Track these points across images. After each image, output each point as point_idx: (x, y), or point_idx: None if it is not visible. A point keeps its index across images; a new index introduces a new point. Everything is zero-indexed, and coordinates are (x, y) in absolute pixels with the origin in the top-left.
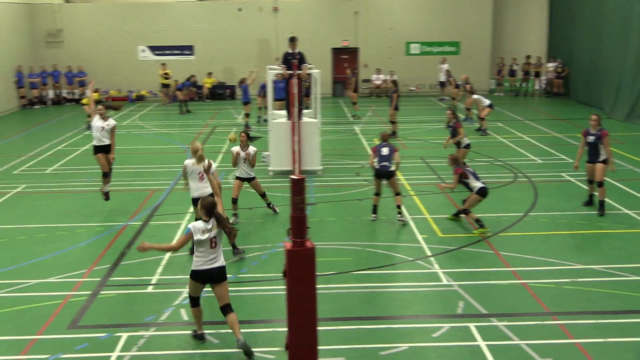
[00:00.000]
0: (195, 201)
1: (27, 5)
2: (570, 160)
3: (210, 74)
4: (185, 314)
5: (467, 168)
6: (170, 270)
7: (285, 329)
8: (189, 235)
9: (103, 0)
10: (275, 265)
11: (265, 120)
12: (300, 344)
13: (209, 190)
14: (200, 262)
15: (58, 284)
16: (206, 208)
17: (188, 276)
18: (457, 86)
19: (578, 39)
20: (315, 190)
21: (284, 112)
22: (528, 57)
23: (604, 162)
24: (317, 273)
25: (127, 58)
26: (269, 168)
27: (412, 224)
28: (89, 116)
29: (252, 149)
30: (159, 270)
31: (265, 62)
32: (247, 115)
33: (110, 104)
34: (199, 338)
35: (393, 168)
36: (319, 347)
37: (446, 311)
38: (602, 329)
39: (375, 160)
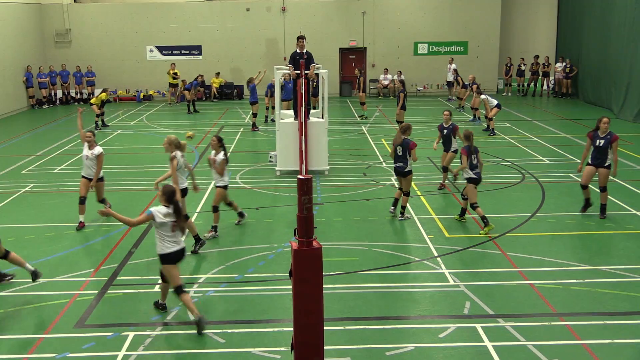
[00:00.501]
0: (184, 192)
1: (36, 6)
2: (579, 161)
3: (218, 73)
4: (191, 315)
5: (473, 153)
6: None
7: (292, 329)
8: (149, 216)
9: (112, 0)
10: (282, 265)
11: (273, 120)
12: (306, 344)
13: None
14: (168, 245)
15: (65, 283)
16: (167, 195)
17: (194, 275)
18: (464, 86)
19: (587, 38)
20: (323, 190)
21: (291, 112)
22: (536, 57)
23: (609, 167)
24: (324, 273)
25: (136, 58)
26: (276, 168)
27: (418, 224)
28: (98, 115)
29: (220, 155)
30: None
31: (273, 62)
32: (254, 115)
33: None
34: (160, 307)
35: (408, 168)
36: (325, 347)
37: (453, 312)
38: (610, 330)
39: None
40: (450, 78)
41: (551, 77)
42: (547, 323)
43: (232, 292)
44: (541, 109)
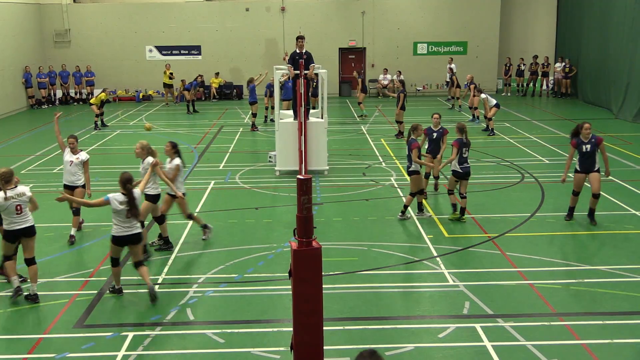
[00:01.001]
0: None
1: (35, 6)
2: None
3: (217, 73)
4: (191, 314)
5: (463, 146)
6: (177, 270)
7: (291, 329)
8: (105, 201)
9: (111, 0)
10: (282, 265)
11: (272, 120)
12: (305, 344)
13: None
14: (119, 229)
15: (65, 283)
16: (122, 182)
17: (192, 275)
18: (458, 85)
19: (586, 39)
20: (322, 190)
21: (290, 112)
22: (535, 57)
23: (598, 170)
24: (323, 273)
25: (135, 58)
26: (276, 168)
27: (418, 224)
28: (97, 115)
29: (175, 162)
30: (165, 270)
31: (273, 62)
32: (254, 115)
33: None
34: (117, 292)
35: (413, 168)
36: (325, 347)
37: (452, 312)
38: (609, 330)
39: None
40: (449, 77)
41: (550, 77)
42: (546, 323)
43: (232, 292)
44: (540, 109)
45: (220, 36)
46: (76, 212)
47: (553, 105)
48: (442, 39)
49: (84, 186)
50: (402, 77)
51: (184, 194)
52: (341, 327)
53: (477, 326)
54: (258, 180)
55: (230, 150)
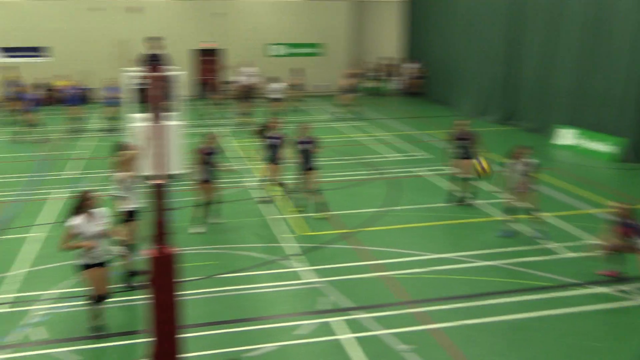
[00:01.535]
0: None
1: None
2: (425, 156)
3: (65, 76)
4: (37, 333)
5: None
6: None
7: (149, 339)
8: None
9: None
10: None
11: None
12: (165, 353)
13: None
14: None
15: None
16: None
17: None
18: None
19: (431, 42)
20: (179, 194)
21: (144, 116)
22: (386, 58)
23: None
24: (181, 279)
25: None
26: None
27: (274, 224)
28: None
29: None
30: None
31: (126, 63)
32: (109, 119)
33: None
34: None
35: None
36: (186, 354)
37: (312, 308)
38: (457, 313)
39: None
40: (253, 80)
41: (400, 78)
42: (400, 311)
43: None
44: (391, 108)
45: (70, 37)
46: None
47: (403, 104)
48: (297, 40)
49: None
50: (255, 78)
51: None
52: (201, 333)
53: (337, 320)
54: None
55: (84, 157)
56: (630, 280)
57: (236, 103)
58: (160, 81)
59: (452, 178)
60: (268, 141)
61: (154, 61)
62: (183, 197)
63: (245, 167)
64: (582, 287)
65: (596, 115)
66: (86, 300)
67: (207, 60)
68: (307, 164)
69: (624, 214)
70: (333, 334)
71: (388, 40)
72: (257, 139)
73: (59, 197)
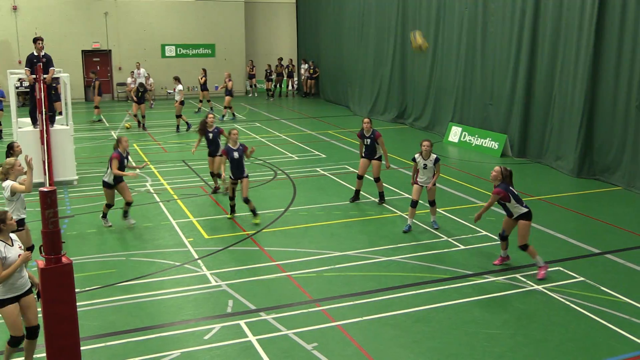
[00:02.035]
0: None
1: None
2: (323, 156)
3: None
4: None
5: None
6: None
7: (45, 355)
8: None
9: None
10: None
11: None
12: None
13: None
14: None
15: None
16: None
17: None
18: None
19: (324, 42)
20: (72, 201)
21: (30, 120)
22: (280, 59)
23: (379, 159)
24: (78, 289)
25: None
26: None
27: (177, 228)
28: None
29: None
30: None
31: (6, 66)
32: None
33: None
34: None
35: (107, 179)
36: None
37: (216, 312)
38: (360, 309)
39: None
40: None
41: (295, 78)
42: (305, 310)
43: None
44: (287, 109)
45: None
46: None
47: (299, 104)
48: (190, 41)
49: None
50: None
51: None
52: (102, 344)
53: (242, 322)
54: None
55: None
56: (522, 268)
57: (130, 104)
58: (45, 84)
59: (358, 176)
60: (210, 135)
61: (38, 63)
62: (76, 205)
63: (147, 170)
64: (479, 277)
65: (481, 113)
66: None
67: (98, 61)
68: (238, 173)
69: (498, 176)
70: (242, 337)
71: (282, 41)
72: (199, 135)
73: None
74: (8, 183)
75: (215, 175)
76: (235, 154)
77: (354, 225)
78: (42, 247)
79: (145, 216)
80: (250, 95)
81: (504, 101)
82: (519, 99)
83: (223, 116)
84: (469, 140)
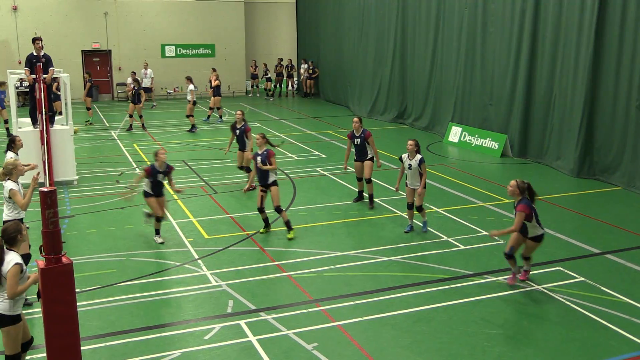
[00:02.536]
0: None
1: None
2: (323, 156)
3: None
4: None
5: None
6: None
7: (45, 355)
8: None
9: None
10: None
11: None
12: None
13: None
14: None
15: None
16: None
17: None
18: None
19: (324, 42)
20: (72, 201)
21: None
22: (280, 59)
23: (371, 159)
24: (78, 289)
25: None
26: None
27: (177, 228)
28: None
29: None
30: None
31: (7, 65)
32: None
33: None
34: None
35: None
36: None
37: (217, 312)
38: (360, 309)
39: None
40: (148, 84)
41: (295, 78)
42: (305, 310)
43: None
44: (287, 109)
45: None
46: None
47: (299, 104)
48: (190, 41)
49: None
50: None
51: None
52: (102, 344)
53: (242, 322)
54: None
55: None
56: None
57: (130, 105)
58: (45, 84)
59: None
60: (237, 132)
61: (38, 63)
62: (76, 205)
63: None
64: (479, 277)
65: (481, 113)
66: None
67: (98, 61)
68: (262, 179)
69: (515, 191)
70: (243, 337)
71: (282, 41)
72: (231, 134)
73: None
74: (9, 185)
75: (244, 170)
76: (259, 159)
77: (354, 225)
78: (42, 247)
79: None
80: (250, 95)
81: (504, 101)
82: (519, 99)
83: (208, 117)
84: (469, 140)
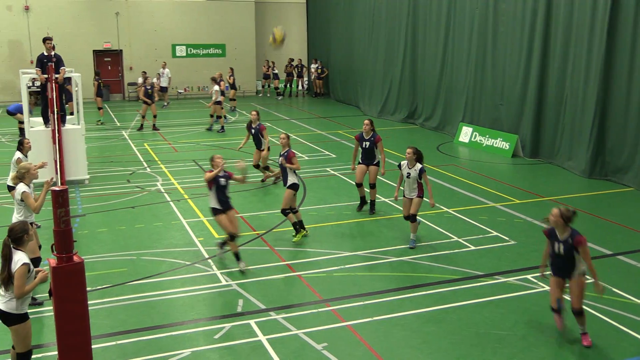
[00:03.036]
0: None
1: None
2: (333, 156)
3: None
4: None
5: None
6: None
7: (56, 353)
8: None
9: None
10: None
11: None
12: None
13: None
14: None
15: None
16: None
17: None
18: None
19: (334, 42)
20: (84, 200)
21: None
22: (291, 59)
23: (377, 164)
24: (90, 288)
25: None
26: None
27: (187, 227)
28: None
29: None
30: None
31: (19, 65)
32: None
33: None
34: None
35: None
36: None
37: (226, 311)
38: (369, 309)
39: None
40: (165, 83)
41: (305, 78)
42: (314, 310)
43: None
44: (297, 109)
45: None
46: None
47: (309, 104)
48: (201, 41)
49: None
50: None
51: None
52: (113, 343)
53: (252, 322)
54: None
55: None
56: (533, 269)
57: (143, 105)
58: (56, 83)
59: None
60: (252, 131)
61: (49, 62)
62: (87, 204)
63: (158, 169)
64: (489, 278)
65: (492, 113)
66: None
67: (109, 61)
68: (285, 181)
69: (559, 221)
70: (252, 336)
71: (293, 41)
72: (247, 132)
73: None
74: (21, 188)
75: (261, 169)
76: (281, 159)
77: (363, 225)
78: (53, 246)
79: (155, 215)
80: (261, 95)
81: (515, 101)
82: (530, 99)
83: (211, 125)
84: (480, 140)
